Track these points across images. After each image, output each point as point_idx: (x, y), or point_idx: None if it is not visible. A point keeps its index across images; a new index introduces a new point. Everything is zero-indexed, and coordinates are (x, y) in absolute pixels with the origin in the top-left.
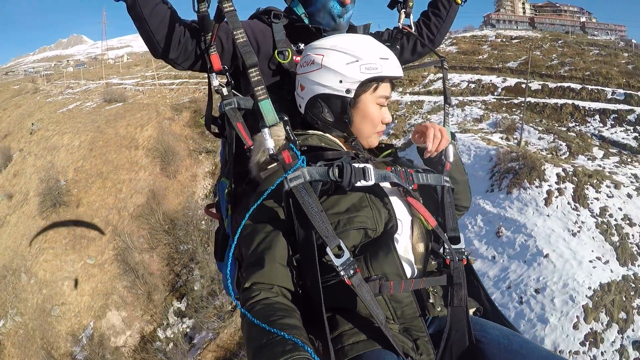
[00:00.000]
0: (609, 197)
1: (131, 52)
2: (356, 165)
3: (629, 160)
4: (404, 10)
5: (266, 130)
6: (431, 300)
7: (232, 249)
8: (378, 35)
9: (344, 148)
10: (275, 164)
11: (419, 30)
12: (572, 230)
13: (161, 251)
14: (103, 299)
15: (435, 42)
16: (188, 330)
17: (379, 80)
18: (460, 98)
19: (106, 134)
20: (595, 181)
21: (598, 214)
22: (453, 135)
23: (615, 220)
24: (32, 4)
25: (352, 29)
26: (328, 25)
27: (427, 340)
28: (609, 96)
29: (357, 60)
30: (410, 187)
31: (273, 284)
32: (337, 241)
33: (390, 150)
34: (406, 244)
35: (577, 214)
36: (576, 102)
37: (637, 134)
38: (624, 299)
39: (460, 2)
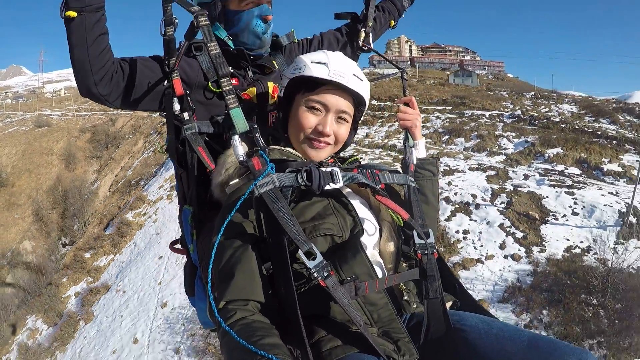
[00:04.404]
0: None
1: (69, 87)
2: (324, 169)
3: None
4: (364, 29)
5: (236, 137)
6: (405, 298)
7: (209, 270)
8: (308, 44)
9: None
10: (238, 179)
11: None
12: None
13: (59, 210)
14: (22, 234)
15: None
16: (66, 251)
17: (309, 81)
18: None
19: (33, 146)
20: None
21: None
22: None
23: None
24: None
25: (276, 40)
26: (253, 44)
27: (408, 341)
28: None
29: (293, 63)
30: (378, 186)
31: (248, 299)
32: (309, 245)
33: (355, 158)
34: (375, 245)
35: None
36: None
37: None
38: None
39: (393, 25)
